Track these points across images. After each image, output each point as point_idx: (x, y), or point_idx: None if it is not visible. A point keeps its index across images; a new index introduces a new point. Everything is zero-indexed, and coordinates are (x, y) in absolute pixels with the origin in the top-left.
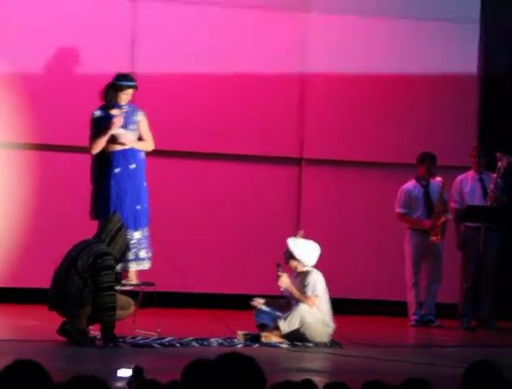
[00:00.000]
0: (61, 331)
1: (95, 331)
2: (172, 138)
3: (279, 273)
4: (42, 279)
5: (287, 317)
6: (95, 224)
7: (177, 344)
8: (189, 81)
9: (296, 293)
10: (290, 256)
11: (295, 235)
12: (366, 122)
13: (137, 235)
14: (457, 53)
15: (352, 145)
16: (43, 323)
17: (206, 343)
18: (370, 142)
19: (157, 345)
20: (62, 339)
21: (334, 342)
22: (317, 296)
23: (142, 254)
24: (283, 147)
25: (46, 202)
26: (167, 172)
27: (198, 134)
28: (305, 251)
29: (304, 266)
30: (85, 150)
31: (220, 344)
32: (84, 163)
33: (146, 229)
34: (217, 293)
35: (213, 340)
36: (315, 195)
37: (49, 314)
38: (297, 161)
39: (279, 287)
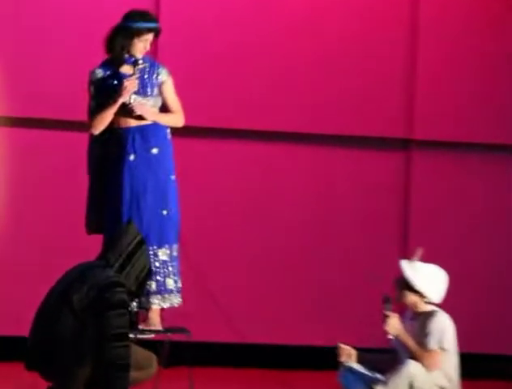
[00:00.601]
0: None
1: None
2: (221, 111)
3: (387, 312)
4: (15, 322)
5: (388, 381)
6: (98, 239)
7: None
8: (254, 30)
9: (412, 345)
10: (406, 287)
11: (409, 257)
12: (493, 96)
13: (162, 255)
14: None
15: (473, 124)
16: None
17: None
18: (497, 121)
19: None
20: None
21: None
22: (444, 350)
23: (170, 283)
24: (386, 126)
25: (26, 203)
26: (213, 160)
27: (267, 109)
28: (430, 281)
29: (426, 303)
30: (83, 127)
31: None
32: (82, 145)
33: (175, 247)
34: (281, 345)
35: None
36: (429, 190)
37: (28, 377)
38: (405, 143)
39: (385, 333)
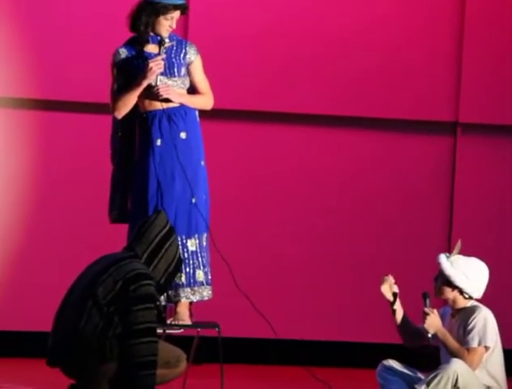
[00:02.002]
0: None
1: None
2: (250, 93)
3: (427, 309)
4: (38, 317)
5: (431, 380)
6: (123, 229)
7: None
8: (286, 6)
9: (452, 343)
10: (445, 283)
11: (445, 250)
12: None
13: (191, 246)
14: None
15: None
16: (38, 388)
17: None
18: None
19: None
20: None
21: None
22: (487, 348)
23: (200, 276)
24: (431, 108)
25: (47, 192)
26: (241, 142)
27: (306, 91)
28: (470, 275)
29: (466, 299)
30: (105, 109)
31: None
32: (105, 129)
33: (205, 236)
34: (316, 341)
35: None
36: (475, 177)
37: (49, 373)
38: (451, 127)
39: (424, 331)
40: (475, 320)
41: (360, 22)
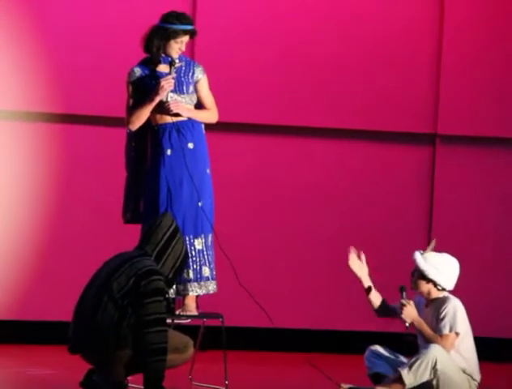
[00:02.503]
0: (87, 383)
1: (136, 384)
2: (251, 108)
3: (404, 301)
4: (60, 308)
5: (413, 364)
6: (136, 229)
7: None
8: (282, 28)
9: (427, 330)
10: (420, 277)
11: (423, 249)
12: None
13: (198, 245)
14: None
15: (498, 118)
16: (60, 372)
17: None
18: None
19: None
20: None
21: None
22: (457, 334)
23: (206, 272)
24: (411, 120)
25: (67, 196)
26: (242, 153)
27: (295, 105)
28: (442, 269)
29: (440, 290)
30: (120, 123)
31: None
32: (120, 140)
33: (210, 236)
34: (311, 330)
35: None
36: (453, 184)
37: (70, 359)
38: (430, 138)
39: (402, 321)
40: (446, 309)
41: (341, 36)
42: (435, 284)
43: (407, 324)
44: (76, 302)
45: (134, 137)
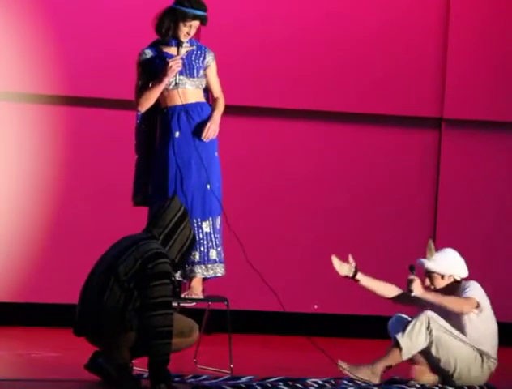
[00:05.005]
0: (92, 366)
1: (141, 366)
2: (259, 91)
3: (412, 277)
4: (65, 291)
5: (406, 327)
6: (144, 212)
7: (258, 387)
8: (289, 11)
9: (445, 298)
10: (437, 278)
11: (433, 237)
12: None
13: (206, 227)
14: None
15: (506, 102)
16: (65, 355)
17: (300, 385)
18: None
19: (229, 388)
20: (93, 377)
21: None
22: (479, 305)
23: (213, 254)
24: (417, 105)
25: (75, 178)
26: (249, 135)
27: (306, 89)
28: (453, 262)
29: (457, 282)
30: (130, 105)
31: (322, 388)
32: (130, 123)
33: (218, 219)
34: (317, 314)
35: (311, 382)
36: (459, 168)
37: (75, 342)
38: (436, 122)
39: (409, 292)
40: (469, 287)
41: (346, 19)
42: (453, 277)
43: (413, 295)
44: (82, 285)
45: (143, 119)
